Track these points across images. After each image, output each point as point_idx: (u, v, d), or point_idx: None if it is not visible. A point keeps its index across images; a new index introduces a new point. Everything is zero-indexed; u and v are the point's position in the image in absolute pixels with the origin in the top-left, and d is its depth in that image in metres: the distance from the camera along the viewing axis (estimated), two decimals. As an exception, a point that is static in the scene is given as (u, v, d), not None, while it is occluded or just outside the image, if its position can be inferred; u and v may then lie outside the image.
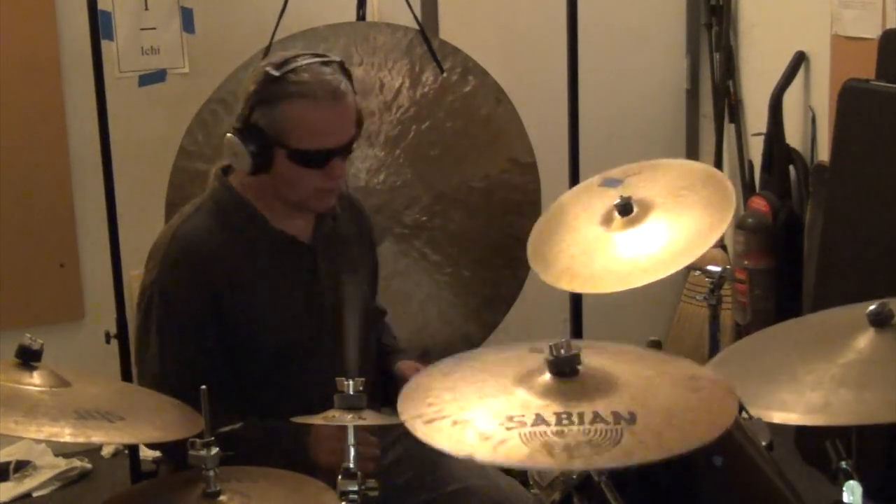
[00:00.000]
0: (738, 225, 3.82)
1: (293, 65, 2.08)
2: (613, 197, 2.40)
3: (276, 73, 2.07)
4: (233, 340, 2.12)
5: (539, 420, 1.54)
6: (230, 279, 2.10)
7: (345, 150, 2.14)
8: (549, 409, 1.56)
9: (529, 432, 1.51)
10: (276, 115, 2.07)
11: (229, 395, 2.07)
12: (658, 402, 1.61)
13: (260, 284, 2.14)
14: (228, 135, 2.11)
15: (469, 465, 2.20)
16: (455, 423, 1.56)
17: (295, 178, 2.12)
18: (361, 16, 3.33)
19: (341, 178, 2.16)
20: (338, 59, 2.16)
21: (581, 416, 1.54)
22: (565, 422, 1.53)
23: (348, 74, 2.16)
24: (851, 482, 1.63)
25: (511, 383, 1.63)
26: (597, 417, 1.54)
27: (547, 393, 1.59)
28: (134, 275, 3.63)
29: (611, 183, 2.49)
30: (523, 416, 1.55)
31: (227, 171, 2.22)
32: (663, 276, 2.26)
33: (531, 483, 2.19)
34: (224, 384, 2.05)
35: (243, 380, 2.14)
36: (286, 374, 2.14)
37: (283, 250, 2.18)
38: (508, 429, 1.52)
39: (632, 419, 1.53)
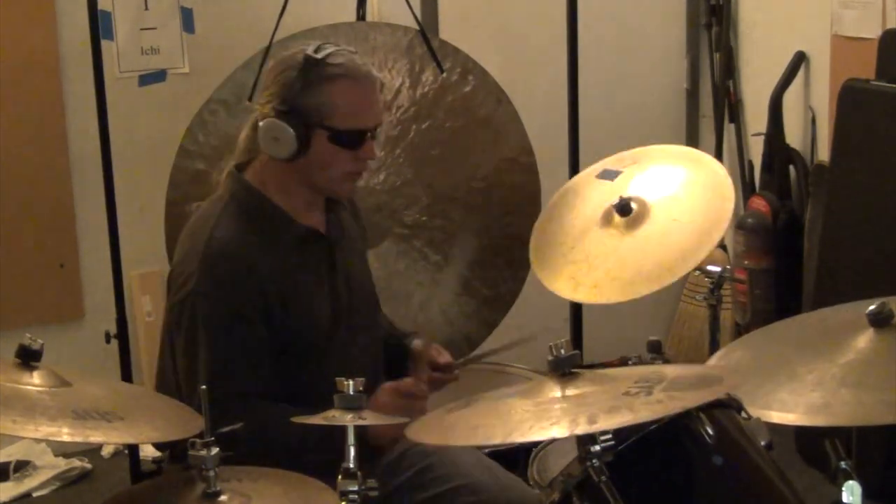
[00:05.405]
0: (738, 225, 3.81)
1: (328, 50, 2.13)
2: (611, 194, 2.41)
3: (318, 56, 2.11)
4: (274, 339, 2.12)
5: (617, 398, 1.50)
6: (267, 280, 2.10)
7: (375, 131, 2.20)
8: (609, 393, 1.54)
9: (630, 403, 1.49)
10: (322, 96, 2.11)
11: (275, 395, 2.09)
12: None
13: (292, 281, 2.15)
14: (269, 119, 2.12)
15: (471, 461, 2.21)
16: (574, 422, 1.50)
17: (331, 160, 2.15)
18: (361, 16, 3.33)
19: (372, 158, 2.22)
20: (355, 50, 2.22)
21: (639, 382, 1.52)
22: (642, 387, 1.50)
23: None
24: (851, 482, 1.63)
25: (529, 405, 1.61)
26: (647, 379, 1.51)
27: (578, 390, 1.58)
28: (134, 275, 3.64)
29: (608, 175, 2.50)
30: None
31: (241, 168, 2.22)
32: (668, 283, 2.28)
33: (531, 483, 2.19)
34: (270, 383, 2.09)
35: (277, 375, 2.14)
36: (307, 367, 2.14)
37: (307, 244, 2.19)
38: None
39: (667, 360, 1.54)
